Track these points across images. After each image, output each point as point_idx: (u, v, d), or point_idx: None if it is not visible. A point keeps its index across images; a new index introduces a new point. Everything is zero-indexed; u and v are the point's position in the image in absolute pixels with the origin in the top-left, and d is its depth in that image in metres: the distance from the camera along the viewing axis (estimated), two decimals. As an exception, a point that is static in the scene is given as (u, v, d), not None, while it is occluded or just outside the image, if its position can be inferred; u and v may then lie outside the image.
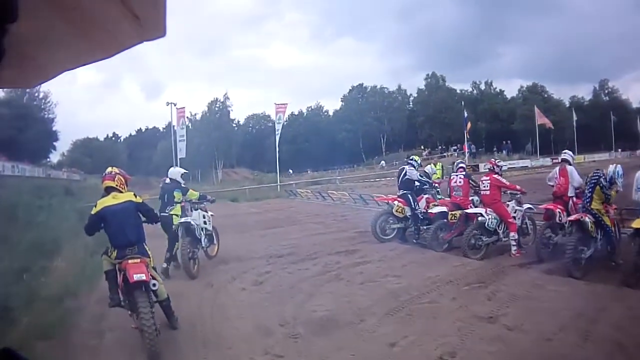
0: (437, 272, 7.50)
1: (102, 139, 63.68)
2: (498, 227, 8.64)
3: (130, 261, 5.04)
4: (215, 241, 9.18)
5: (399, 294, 6.47)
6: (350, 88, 67.86)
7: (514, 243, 8.54)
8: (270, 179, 37.02)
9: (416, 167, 10.59)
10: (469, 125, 39.69)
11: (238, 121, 65.02)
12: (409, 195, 10.04)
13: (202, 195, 9.10)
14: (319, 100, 71.21)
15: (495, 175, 9.01)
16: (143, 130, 68.89)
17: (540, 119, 45.35)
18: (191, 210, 8.47)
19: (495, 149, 49.15)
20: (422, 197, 10.31)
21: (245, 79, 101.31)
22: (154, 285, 5.09)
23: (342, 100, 68.81)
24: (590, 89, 65.58)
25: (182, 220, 8.15)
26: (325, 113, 69.41)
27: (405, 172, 10.32)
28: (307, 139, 62.85)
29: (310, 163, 55.58)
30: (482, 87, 67.11)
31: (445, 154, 50.83)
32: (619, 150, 49.60)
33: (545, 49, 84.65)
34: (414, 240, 9.92)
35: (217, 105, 58.34)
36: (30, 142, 38.01)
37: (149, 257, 5.31)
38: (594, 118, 54.02)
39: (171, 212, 8.33)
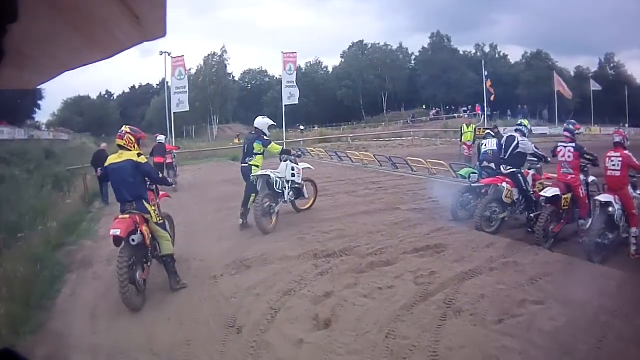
0: (590, 288, 5.09)
1: (94, 97, 61.83)
2: (620, 220, 6.71)
3: (120, 216, 5.41)
4: (307, 195, 9.02)
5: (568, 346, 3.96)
6: (350, 44, 65.74)
7: (635, 241, 6.73)
8: (274, 136, 33.42)
9: (527, 135, 8.15)
10: (489, 82, 36.05)
11: (233, 76, 63.19)
12: (519, 175, 7.84)
13: (285, 149, 8.86)
14: (318, 57, 68.32)
15: (627, 152, 6.78)
16: (136, 87, 66.94)
17: (559, 86, 43.39)
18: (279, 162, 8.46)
19: (509, 112, 45.97)
20: (528, 172, 8.13)
21: (240, 37, 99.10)
22: (132, 240, 5.29)
23: (341, 57, 66.39)
24: (590, 63, 65.14)
25: (260, 172, 8.07)
26: (324, 69, 67.00)
27: (517, 142, 7.92)
28: (305, 94, 60.11)
29: (309, 119, 55.20)
30: (486, 49, 65.55)
31: (454, 114, 48.21)
32: (625, 125, 47.32)
33: (542, 18, 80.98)
34: (528, 232, 7.58)
35: (214, 59, 56.11)
36: (8, 101, 35.10)
37: (148, 213, 5.59)
38: (600, 90, 51.12)
39: (250, 163, 8.21)
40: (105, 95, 64.56)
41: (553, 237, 7.22)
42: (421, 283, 5.33)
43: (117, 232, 5.16)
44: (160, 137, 15.49)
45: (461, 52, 64.45)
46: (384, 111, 60.97)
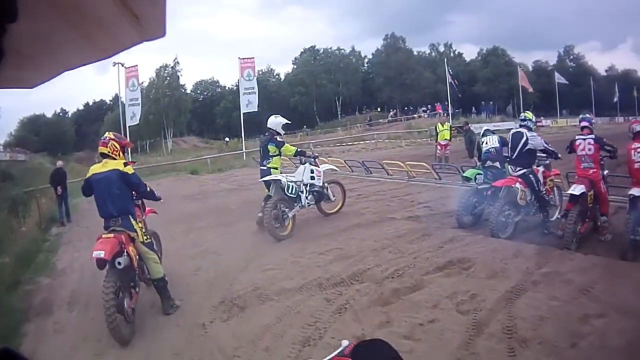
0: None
1: (50, 115, 61.48)
2: None
3: (103, 236, 4.92)
4: (333, 197, 8.71)
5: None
6: (302, 50, 65.96)
7: None
8: (232, 146, 33.57)
9: (533, 130, 7.62)
10: (454, 81, 36.23)
11: (186, 88, 62.62)
12: (532, 176, 7.29)
13: (300, 151, 8.49)
14: (270, 64, 68.43)
15: None
16: (90, 104, 66.76)
17: (523, 81, 43.72)
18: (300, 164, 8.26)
19: (473, 109, 46.30)
20: (538, 170, 7.64)
21: (194, 49, 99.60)
22: (119, 263, 4.80)
23: (293, 64, 66.39)
24: (548, 57, 66.01)
25: (271, 177, 7.84)
26: (277, 76, 66.77)
27: (527, 139, 7.31)
28: (259, 103, 59.30)
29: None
30: (441, 49, 66.73)
31: (414, 115, 48.21)
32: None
33: (496, 17, 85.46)
34: (545, 234, 7.24)
35: (167, 71, 55.75)
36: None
37: (135, 232, 5.09)
38: (562, 83, 52.33)
39: (268, 166, 8.01)
40: (60, 114, 64.03)
41: (579, 238, 6.73)
42: (466, 311, 4.52)
43: (101, 254, 4.68)
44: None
45: (416, 53, 65.62)
46: (339, 116, 61.31)
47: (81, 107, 65.61)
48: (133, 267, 5.07)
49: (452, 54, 65.70)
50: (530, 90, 43.94)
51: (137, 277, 5.28)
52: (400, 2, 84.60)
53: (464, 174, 8.51)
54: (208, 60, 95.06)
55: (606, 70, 65.47)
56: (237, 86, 61.16)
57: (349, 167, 16.71)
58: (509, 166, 7.45)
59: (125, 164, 5.21)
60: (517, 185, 7.15)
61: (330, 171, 8.87)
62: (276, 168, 8.02)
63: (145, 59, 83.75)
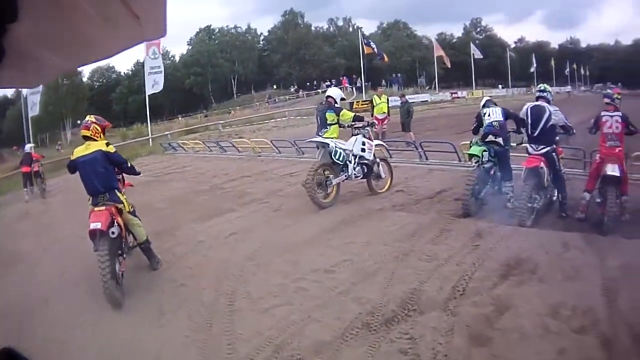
0: None
1: None
2: None
3: (96, 209, 5.32)
4: (384, 175, 8.33)
5: None
6: (198, 30, 62.57)
7: None
8: (136, 132, 30.10)
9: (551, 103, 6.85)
10: (368, 49, 34.54)
11: (84, 75, 58.28)
12: (554, 154, 6.58)
13: (357, 116, 8.13)
14: (165, 46, 61.71)
15: None
16: None
17: (438, 51, 42.81)
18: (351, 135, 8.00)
19: (383, 82, 45.93)
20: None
21: None
22: (112, 233, 5.18)
23: (188, 44, 62.39)
24: (451, 30, 66.41)
25: (319, 139, 7.67)
26: (172, 58, 61.86)
27: (550, 113, 6.53)
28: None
29: (157, 112, 49.57)
30: (340, 23, 65.28)
31: (318, 90, 47.23)
32: (500, 86, 51.72)
33: None
34: (562, 217, 6.60)
35: None
36: None
37: (122, 203, 5.54)
38: (468, 55, 51.15)
39: (324, 136, 7.76)
40: None
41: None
42: (586, 329, 3.59)
43: (98, 225, 5.05)
44: (27, 147, 15.60)
45: (314, 29, 63.44)
46: (234, 96, 58.63)
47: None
48: (122, 235, 5.46)
49: (351, 29, 63.50)
50: (447, 62, 42.83)
51: (124, 245, 5.64)
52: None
53: (469, 151, 7.26)
54: None
55: (515, 42, 66.12)
56: (132, 71, 60.23)
57: (276, 148, 15.05)
58: (530, 144, 6.57)
59: (107, 144, 5.56)
60: (542, 166, 6.35)
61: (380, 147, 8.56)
62: (333, 138, 7.75)
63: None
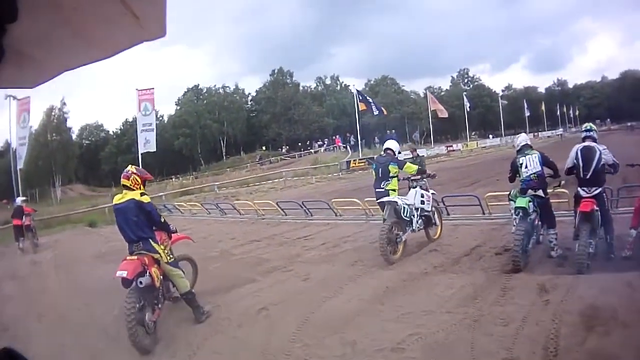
0: None
1: None
2: None
3: (128, 257, 5.33)
4: (437, 222, 8.46)
5: None
6: (186, 90, 63.49)
7: None
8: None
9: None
10: (362, 106, 34.38)
11: (74, 132, 58.76)
12: (604, 194, 6.35)
13: (420, 169, 8.44)
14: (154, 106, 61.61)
15: None
16: None
17: (434, 105, 42.64)
18: (408, 189, 8.10)
19: (376, 139, 46.22)
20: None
21: (76, 91, 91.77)
22: (140, 282, 5.16)
23: (177, 104, 63.52)
24: (437, 83, 68.61)
25: (387, 199, 7.66)
26: (160, 118, 61.91)
27: (600, 153, 6.19)
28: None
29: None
30: (328, 82, 66.92)
31: (309, 149, 47.27)
32: (490, 136, 52.38)
33: (380, 48, 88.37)
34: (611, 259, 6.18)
35: (54, 113, 52.51)
36: None
37: (157, 253, 5.47)
38: (457, 107, 52.84)
39: (386, 187, 7.76)
40: None
41: None
42: None
43: (124, 274, 5.10)
44: (19, 200, 15.52)
45: (301, 88, 64.63)
46: (224, 157, 58.71)
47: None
48: (154, 285, 5.36)
49: (339, 87, 66.06)
50: (445, 114, 41.99)
51: (161, 295, 5.60)
52: (278, 38, 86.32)
53: (517, 205, 6.80)
54: (91, 102, 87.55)
55: (503, 90, 67.90)
56: (121, 130, 60.08)
57: (281, 210, 14.11)
58: (582, 188, 6.20)
59: (142, 194, 5.55)
60: (596, 207, 6.00)
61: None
62: (394, 190, 7.76)
63: (35, 105, 74.71)
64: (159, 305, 5.55)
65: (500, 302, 5.06)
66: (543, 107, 58.11)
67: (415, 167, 8.09)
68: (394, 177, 7.81)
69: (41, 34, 0.78)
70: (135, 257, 5.32)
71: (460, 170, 20.25)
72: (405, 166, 7.93)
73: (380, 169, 7.93)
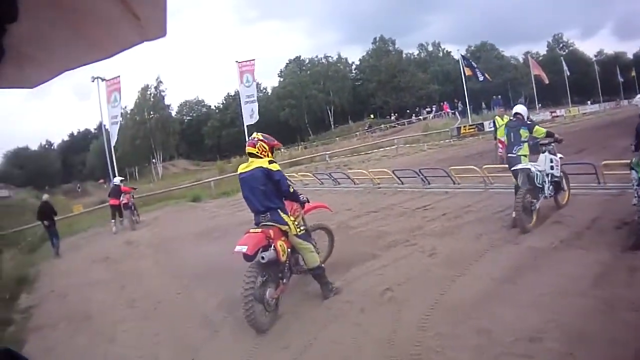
0: None
1: (35, 147, 59.76)
2: None
3: (251, 230, 5.08)
4: (565, 187, 8.23)
5: None
6: (288, 62, 63.49)
7: None
8: (234, 166, 30.28)
9: None
10: (468, 72, 32.92)
11: (172, 109, 60.35)
12: None
13: (549, 132, 8.03)
14: (256, 79, 64.07)
15: None
16: (75, 134, 65.10)
17: (536, 70, 40.38)
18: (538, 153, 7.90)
19: (483, 105, 44.47)
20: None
21: (174, 69, 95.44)
22: (262, 258, 4.89)
23: (279, 76, 63.76)
24: (534, 48, 65.45)
25: (520, 166, 7.58)
26: (264, 91, 63.05)
27: None
28: None
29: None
30: (430, 48, 65.60)
31: (419, 117, 46.38)
32: (589, 102, 49.70)
33: (471, 15, 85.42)
34: None
35: (149, 92, 53.83)
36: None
37: (286, 224, 5.17)
38: (555, 72, 49.34)
39: (519, 153, 7.69)
40: (46, 146, 62.21)
41: None
42: None
43: (244, 249, 4.80)
44: (116, 180, 15.84)
45: (404, 55, 63.22)
46: (332, 126, 58.59)
47: (66, 138, 64.41)
48: (279, 260, 5.06)
49: (441, 53, 64.73)
50: (546, 80, 39.86)
51: (287, 269, 5.32)
52: (373, 7, 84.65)
53: None
54: (190, 80, 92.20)
55: (595, 56, 65.06)
56: (223, 104, 61.23)
57: (398, 178, 13.63)
58: None
59: (270, 162, 5.23)
60: None
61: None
62: (525, 155, 7.68)
63: (129, 82, 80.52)
64: (284, 281, 5.25)
65: (630, 283, 4.60)
66: (634, 73, 55.91)
67: (544, 130, 7.87)
68: (525, 141, 7.78)
69: (41, 34, 0.78)
70: (260, 230, 5.03)
71: (564, 137, 18.42)
72: (534, 129, 7.79)
73: (512, 134, 7.92)
